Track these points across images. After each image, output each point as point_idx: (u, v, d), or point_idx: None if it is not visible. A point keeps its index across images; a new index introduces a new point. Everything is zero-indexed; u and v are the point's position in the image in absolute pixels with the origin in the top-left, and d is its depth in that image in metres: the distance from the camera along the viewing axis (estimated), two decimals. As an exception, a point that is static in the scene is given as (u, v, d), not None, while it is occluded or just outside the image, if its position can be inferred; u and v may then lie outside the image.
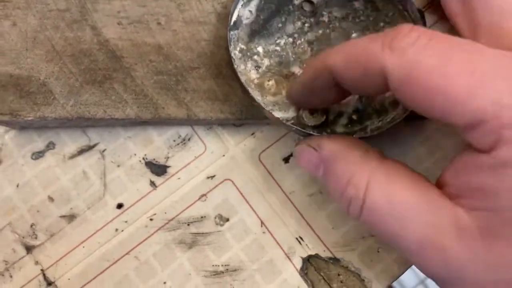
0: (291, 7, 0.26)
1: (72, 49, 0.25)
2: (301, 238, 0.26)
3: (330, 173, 0.21)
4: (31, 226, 0.26)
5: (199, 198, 0.27)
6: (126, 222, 0.26)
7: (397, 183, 0.19)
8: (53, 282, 0.26)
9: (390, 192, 0.19)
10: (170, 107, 0.25)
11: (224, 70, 0.25)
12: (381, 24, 0.25)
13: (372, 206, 0.19)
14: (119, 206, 0.27)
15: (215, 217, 0.27)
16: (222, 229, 0.26)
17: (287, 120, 0.24)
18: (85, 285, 0.26)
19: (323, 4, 0.26)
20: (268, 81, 0.25)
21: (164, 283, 0.26)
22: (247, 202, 0.27)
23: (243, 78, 0.24)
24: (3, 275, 0.26)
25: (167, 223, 0.26)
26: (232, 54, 0.24)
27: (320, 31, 0.26)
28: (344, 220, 0.26)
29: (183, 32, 0.25)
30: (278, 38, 0.26)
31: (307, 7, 0.26)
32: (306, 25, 0.26)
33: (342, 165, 0.21)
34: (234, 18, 0.25)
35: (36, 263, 0.26)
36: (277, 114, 0.25)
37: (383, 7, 0.25)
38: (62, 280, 0.26)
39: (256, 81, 0.25)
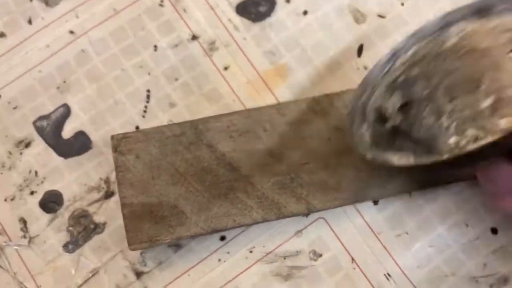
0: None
1: (194, 168, 0.27)
2: (389, 275, 0.29)
3: None
4: (141, 253, 0.29)
5: (295, 234, 0.29)
6: (228, 253, 0.29)
7: None
8: (160, 306, 0.29)
9: None
10: (290, 204, 0.27)
11: (331, 160, 0.28)
12: None
13: None
14: (222, 238, 0.29)
15: (309, 252, 0.29)
16: (316, 263, 0.29)
17: None
18: (189, 310, 0.28)
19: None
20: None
21: (262, 311, 0.28)
22: (339, 239, 0.29)
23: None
24: (115, 298, 0.29)
25: (265, 255, 0.29)
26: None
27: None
28: (428, 259, 0.28)
29: (288, 133, 0.28)
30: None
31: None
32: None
33: None
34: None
35: (145, 288, 0.29)
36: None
37: None
38: (168, 304, 0.29)
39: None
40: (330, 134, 0.28)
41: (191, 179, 0.27)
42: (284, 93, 0.31)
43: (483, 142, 0.22)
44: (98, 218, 0.29)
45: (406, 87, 0.25)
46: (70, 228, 0.29)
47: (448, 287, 0.28)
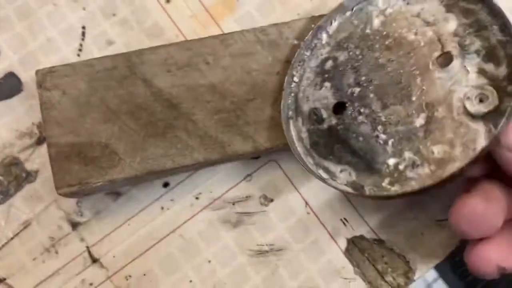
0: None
1: (127, 105, 0.25)
2: (345, 220, 0.26)
3: None
4: (77, 203, 0.27)
5: (244, 178, 0.27)
6: (172, 200, 0.27)
7: None
8: (98, 259, 0.26)
9: None
10: (236, 143, 0.25)
11: (279, 95, 0.25)
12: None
13: None
14: (165, 184, 0.27)
15: (260, 197, 0.27)
16: (267, 209, 0.27)
17: None
18: (129, 262, 0.26)
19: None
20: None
21: (209, 261, 0.26)
22: (292, 183, 0.27)
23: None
24: (49, 251, 0.26)
25: (212, 202, 0.27)
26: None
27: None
28: (388, 202, 0.26)
29: (233, 67, 0.25)
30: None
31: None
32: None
33: None
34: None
35: (82, 240, 0.26)
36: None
37: None
38: (107, 257, 0.26)
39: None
40: (278, 67, 0.26)
41: (124, 117, 0.25)
42: (232, 26, 0.28)
43: (421, 171, 0.21)
44: (30, 166, 0.27)
45: (335, 78, 0.24)
46: (0, 178, 0.27)
47: (410, 232, 0.26)
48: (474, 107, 0.21)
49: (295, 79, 0.25)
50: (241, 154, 0.25)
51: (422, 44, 0.23)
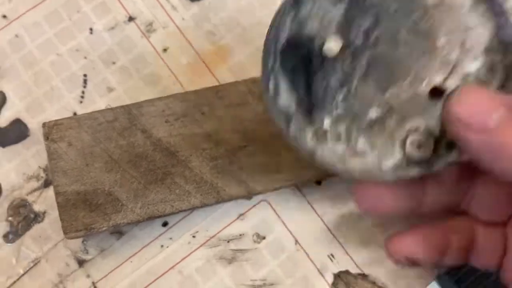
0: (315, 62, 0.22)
1: (128, 155, 0.27)
2: (332, 256, 0.28)
3: None
4: (83, 242, 0.29)
5: (238, 217, 0.29)
6: (171, 239, 0.29)
7: None
8: (104, 294, 0.28)
9: None
10: (230, 187, 0.27)
11: (270, 142, 0.27)
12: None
13: None
14: (165, 224, 0.29)
15: (253, 235, 0.29)
16: (259, 246, 0.29)
17: None
18: (133, 296, 0.28)
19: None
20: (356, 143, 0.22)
21: (206, 295, 0.28)
22: (282, 221, 0.29)
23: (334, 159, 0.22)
24: (57, 287, 0.28)
25: (208, 240, 0.29)
26: (308, 148, 0.22)
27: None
28: (372, 238, 0.28)
29: (226, 117, 0.27)
30: (332, 99, 0.22)
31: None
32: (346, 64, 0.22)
33: None
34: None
35: (88, 276, 0.28)
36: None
37: None
38: (112, 292, 0.28)
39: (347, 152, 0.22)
40: (268, 116, 0.27)
41: (125, 166, 0.27)
42: (225, 74, 0.30)
43: None
44: (37, 207, 0.29)
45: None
46: (10, 218, 0.29)
47: (391, 266, 0.28)
48: None
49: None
50: (235, 197, 0.27)
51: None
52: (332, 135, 0.22)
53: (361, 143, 0.22)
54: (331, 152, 0.22)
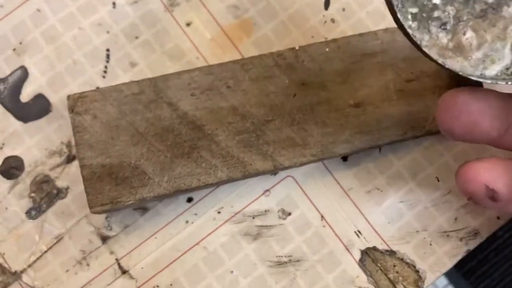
0: None
1: (154, 128, 0.26)
2: (359, 232, 0.28)
3: None
4: (106, 218, 0.28)
5: (263, 193, 0.29)
6: (196, 214, 0.28)
7: None
8: (127, 271, 0.28)
9: None
10: (256, 162, 0.26)
11: (296, 116, 0.27)
12: None
13: None
14: (189, 199, 0.28)
15: (278, 211, 0.28)
16: (285, 222, 0.28)
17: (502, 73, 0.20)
18: (157, 273, 0.28)
19: None
20: (464, 34, 0.20)
21: (231, 272, 0.28)
22: (308, 197, 0.28)
23: (434, 51, 0.20)
24: (81, 263, 0.28)
25: (233, 216, 0.28)
26: (408, 29, 0.19)
27: None
28: (399, 215, 0.28)
29: (252, 90, 0.27)
30: None
31: None
32: None
33: None
34: None
35: (111, 253, 0.28)
36: (494, 69, 0.20)
37: None
38: (136, 269, 0.28)
39: (450, 44, 0.20)
40: (295, 89, 0.27)
41: (152, 139, 0.26)
42: (249, 48, 0.29)
43: None
44: (60, 183, 0.28)
45: None
46: (32, 194, 0.28)
47: (419, 243, 0.28)
48: None
49: None
50: (261, 172, 0.27)
51: None
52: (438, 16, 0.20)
53: (469, 34, 0.20)
54: (433, 40, 0.20)
